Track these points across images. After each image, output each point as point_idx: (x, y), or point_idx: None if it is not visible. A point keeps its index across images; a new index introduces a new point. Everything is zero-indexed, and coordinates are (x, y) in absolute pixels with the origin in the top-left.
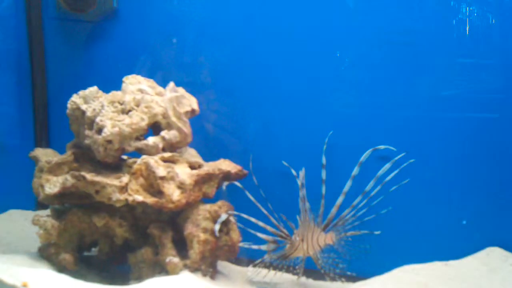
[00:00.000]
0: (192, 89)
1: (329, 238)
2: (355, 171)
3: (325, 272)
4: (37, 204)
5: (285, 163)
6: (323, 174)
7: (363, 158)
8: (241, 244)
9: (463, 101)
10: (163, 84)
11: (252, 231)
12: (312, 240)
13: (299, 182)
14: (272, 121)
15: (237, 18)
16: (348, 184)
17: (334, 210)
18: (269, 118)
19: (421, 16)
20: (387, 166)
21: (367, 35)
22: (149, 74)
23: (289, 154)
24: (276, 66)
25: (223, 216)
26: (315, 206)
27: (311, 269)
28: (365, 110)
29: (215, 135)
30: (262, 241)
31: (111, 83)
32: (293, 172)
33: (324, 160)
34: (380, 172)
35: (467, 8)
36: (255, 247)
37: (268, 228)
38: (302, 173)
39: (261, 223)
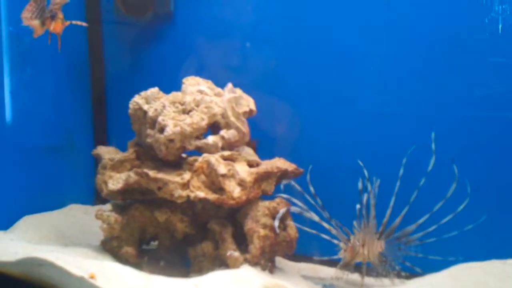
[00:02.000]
0: (244, 90)
1: (379, 246)
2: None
3: (385, 275)
4: (96, 199)
5: (360, 163)
6: (397, 186)
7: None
8: (324, 236)
9: None
10: (218, 85)
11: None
12: (373, 247)
13: (372, 189)
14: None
15: (287, 19)
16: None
17: (398, 220)
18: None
19: (455, 14)
20: (453, 186)
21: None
22: (203, 75)
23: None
24: (328, 64)
25: (282, 211)
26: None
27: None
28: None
29: (268, 134)
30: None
31: (167, 85)
32: (365, 172)
33: (401, 172)
34: (449, 193)
35: (500, 6)
36: (336, 242)
37: (332, 230)
38: (376, 183)
39: (325, 224)
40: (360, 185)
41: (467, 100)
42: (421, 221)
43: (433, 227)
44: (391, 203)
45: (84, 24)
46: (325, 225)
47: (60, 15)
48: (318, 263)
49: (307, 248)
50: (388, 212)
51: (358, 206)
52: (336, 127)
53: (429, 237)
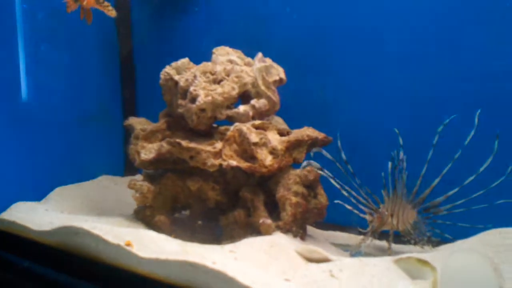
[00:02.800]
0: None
1: (412, 215)
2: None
3: (414, 242)
4: (126, 170)
5: (396, 130)
6: (430, 154)
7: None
8: (349, 207)
9: None
10: (248, 55)
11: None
12: (403, 216)
13: (401, 157)
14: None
15: None
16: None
17: (427, 191)
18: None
19: None
20: (488, 161)
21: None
22: (233, 46)
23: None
24: (359, 35)
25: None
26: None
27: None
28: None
29: (297, 104)
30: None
31: (196, 55)
32: (400, 140)
33: (436, 139)
34: (481, 169)
35: None
36: (362, 215)
37: (360, 199)
38: (402, 154)
39: (353, 193)
40: (393, 154)
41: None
42: (450, 193)
43: (462, 201)
44: (422, 172)
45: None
46: (354, 193)
47: None
48: (346, 231)
49: (336, 216)
50: (419, 181)
51: (383, 173)
52: (367, 95)
53: (457, 208)
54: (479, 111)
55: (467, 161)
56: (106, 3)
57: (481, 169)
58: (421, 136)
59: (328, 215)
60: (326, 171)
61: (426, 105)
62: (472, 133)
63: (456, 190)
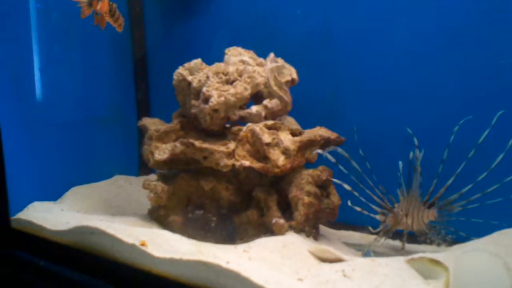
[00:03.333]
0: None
1: (431, 215)
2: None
3: (430, 242)
4: (140, 170)
5: (409, 130)
6: (445, 154)
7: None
8: (358, 209)
9: None
10: (260, 55)
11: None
12: (418, 216)
13: (417, 156)
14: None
15: None
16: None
17: (442, 190)
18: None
19: None
20: (500, 157)
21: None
22: (245, 47)
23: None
24: (370, 33)
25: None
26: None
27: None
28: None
29: (309, 104)
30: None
31: (208, 57)
32: (415, 141)
33: (451, 139)
34: (493, 165)
35: None
36: (372, 215)
37: (375, 198)
38: (418, 153)
39: (368, 191)
40: (411, 155)
41: None
42: (464, 190)
43: (477, 196)
44: (439, 171)
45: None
46: (368, 192)
47: None
48: (359, 230)
49: (348, 216)
50: (435, 181)
51: (398, 173)
52: (381, 95)
53: (472, 204)
54: (501, 112)
55: (480, 158)
56: (117, 14)
57: (493, 165)
58: (436, 134)
59: (341, 215)
60: (340, 166)
61: (440, 103)
62: (487, 132)
63: (469, 187)
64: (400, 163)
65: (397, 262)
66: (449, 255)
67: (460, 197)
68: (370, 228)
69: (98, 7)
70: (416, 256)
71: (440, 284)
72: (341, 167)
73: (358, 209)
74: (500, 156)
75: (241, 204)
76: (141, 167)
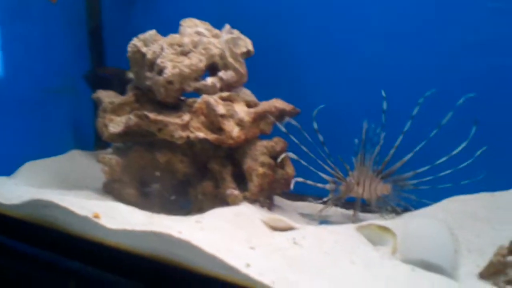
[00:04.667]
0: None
1: (385, 189)
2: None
3: (378, 212)
4: (96, 145)
5: (383, 93)
6: (407, 125)
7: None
8: (299, 180)
9: None
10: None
11: (313, 169)
12: (370, 187)
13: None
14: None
15: None
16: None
17: (398, 164)
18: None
19: None
20: (462, 145)
21: None
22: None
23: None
24: (328, 13)
25: (282, 155)
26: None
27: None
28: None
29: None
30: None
31: (166, 27)
32: (384, 105)
33: (415, 111)
34: (454, 152)
35: None
36: (320, 185)
37: (327, 168)
38: (365, 124)
39: (314, 169)
40: (365, 125)
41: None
42: (420, 170)
43: (429, 178)
44: (397, 143)
45: None
46: (320, 162)
47: None
48: (314, 201)
49: (303, 187)
50: (392, 151)
51: (356, 140)
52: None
53: (423, 185)
54: (470, 95)
55: (443, 140)
56: None
57: (454, 152)
58: (401, 105)
59: (301, 187)
60: (292, 137)
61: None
62: (450, 114)
63: (426, 168)
64: (364, 128)
65: (347, 230)
66: (397, 221)
67: (414, 176)
68: (310, 198)
69: None
70: (365, 223)
71: (388, 249)
72: (293, 138)
73: (300, 179)
74: (463, 145)
75: (197, 176)
76: (98, 141)
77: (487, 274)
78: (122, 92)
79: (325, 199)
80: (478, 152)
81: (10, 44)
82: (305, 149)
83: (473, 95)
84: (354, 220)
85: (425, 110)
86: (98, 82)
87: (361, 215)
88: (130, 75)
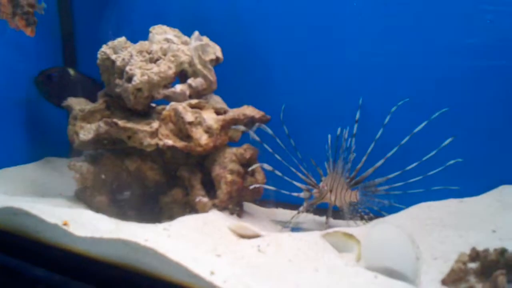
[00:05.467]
0: (215, 40)
1: (354, 196)
2: (379, 134)
3: (349, 218)
4: (71, 152)
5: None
6: (379, 133)
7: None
8: (273, 188)
9: None
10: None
11: (288, 179)
12: (341, 194)
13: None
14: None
15: None
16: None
17: (370, 171)
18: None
19: None
20: (433, 153)
21: None
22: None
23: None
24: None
25: (254, 166)
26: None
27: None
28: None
29: (238, 83)
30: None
31: (136, 34)
32: (358, 115)
33: (387, 119)
34: (425, 158)
35: None
36: (294, 194)
37: (300, 175)
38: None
39: (288, 178)
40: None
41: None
42: (391, 176)
43: (400, 184)
44: (369, 150)
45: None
46: (293, 169)
47: None
48: (288, 208)
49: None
50: (364, 158)
51: (326, 146)
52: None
53: (394, 190)
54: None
55: (413, 147)
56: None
57: (424, 158)
58: (374, 110)
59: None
60: (265, 145)
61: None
62: (424, 124)
63: (397, 173)
64: (329, 136)
65: (312, 237)
66: (362, 229)
67: (386, 182)
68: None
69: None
70: (331, 230)
71: (352, 256)
72: (265, 146)
73: (273, 188)
74: (433, 152)
75: (167, 184)
76: (72, 148)
77: (449, 281)
78: (67, 90)
79: (300, 209)
80: (451, 162)
81: None
82: (278, 157)
83: (446, 109)
84: (326, 227)
85: (400, 116)
86: (45, 83)
87: (334, 221)
88: (72, 72)
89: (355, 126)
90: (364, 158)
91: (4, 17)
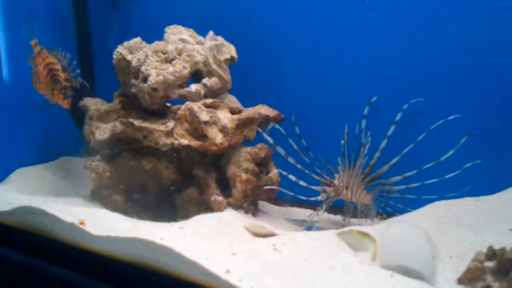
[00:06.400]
0: (229, 40)
1: (367, 199)
2: (390, 130)
3: (365, 216)
4: (86, 151)
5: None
6: (391, 130)
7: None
8: (291, 194)
9: None
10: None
11: (304, 183)
12: (356, 193)
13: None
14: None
15: None
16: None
17: (386, 167)
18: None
19: None
20: (451, 152)
21: None
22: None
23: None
24: (314, 14)
25: (273, 172)
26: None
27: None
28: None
29: (253, 82)
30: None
31: (151, 35)
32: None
33: (398, 116)
34: (442, 158)
35: None
36: (312, 199)
37: (315, 176)
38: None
39: (302, 182)
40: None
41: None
42: (407, 174)
43: (416, 184)
44: (381, 146)
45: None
46: (307, 171)
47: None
48: (303, 207)
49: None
50: (377, 154)
51: (342, 142)
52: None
53: (409, 193)
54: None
55: (430, 147)
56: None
57: (442, 158)
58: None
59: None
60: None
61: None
62: (440, 122)
63: (413, 172)
64: (346, 129)
65: (328, 236)
66: (378, 228)
67: (402, 181)
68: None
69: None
70: (346, 229)
71: (368, 255)
72: (279, 149)
73: (292, 194)
74: (451, 152)
75: (183, 183)
76: (88, 148)
77: (465, 279)
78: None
79: (318, 209)
80: (468, 164)
81: (11, 54)
82: (292, 160)
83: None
84: (345, 224)
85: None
86: None
87: (352, 220)
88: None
89: (363, 121)
90: (377, 154)
91: (46, 95)
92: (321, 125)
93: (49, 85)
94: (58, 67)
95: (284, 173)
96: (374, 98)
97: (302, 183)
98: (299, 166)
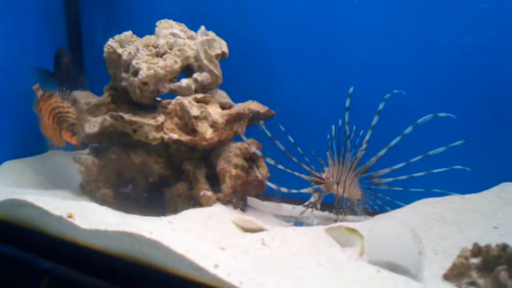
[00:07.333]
0: (221, 36)
1: (358, 194)
2: (374, 120)
3: (354, 212)
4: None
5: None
6: (374, 120)
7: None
8: (284, 190)
9: None
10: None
11: (296, 173)
12: (349, 188)
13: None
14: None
15: None
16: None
17: (373, 160)
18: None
19: None
20: (440, 149)
21: None
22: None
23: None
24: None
25: (258, 154)
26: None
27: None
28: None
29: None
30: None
31: (142, 29)
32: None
33: (381, 106)
34: (431, 152)
35: None
36: (307, 202)
37: (303, 176)
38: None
39: (296, 173)
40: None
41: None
42: (395, 167)
43: (404, 177)
44: (367, 138)
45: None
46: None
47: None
48: (292, 203)
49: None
50: (364, 146)
51: (328, 136)
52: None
53: (397, 185)
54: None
55: (419, 139)
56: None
57: (431, 152)
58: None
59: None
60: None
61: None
62: (428, 117)
63: (402, 165)
64: (333, 127)
65: (316, 231)
66: (365, 224)
67: (390, 174)
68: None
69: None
70: (334, 225)
71: (355, 251)
72: (277, 143)
73: (285, 190)
74: (441, 149)
75: (172, 178)
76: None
77: (451, 275)
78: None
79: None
80: (458, 166)
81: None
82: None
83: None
84: (338, 219)
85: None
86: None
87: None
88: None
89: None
90: (364, 146)
91: (53, 140)
92: (311, 120)
93: (56, 127)
94: (62, 107)
95: (272, 162)
96: (351, 89)
97: (295, 173)
98: (294, 159)
